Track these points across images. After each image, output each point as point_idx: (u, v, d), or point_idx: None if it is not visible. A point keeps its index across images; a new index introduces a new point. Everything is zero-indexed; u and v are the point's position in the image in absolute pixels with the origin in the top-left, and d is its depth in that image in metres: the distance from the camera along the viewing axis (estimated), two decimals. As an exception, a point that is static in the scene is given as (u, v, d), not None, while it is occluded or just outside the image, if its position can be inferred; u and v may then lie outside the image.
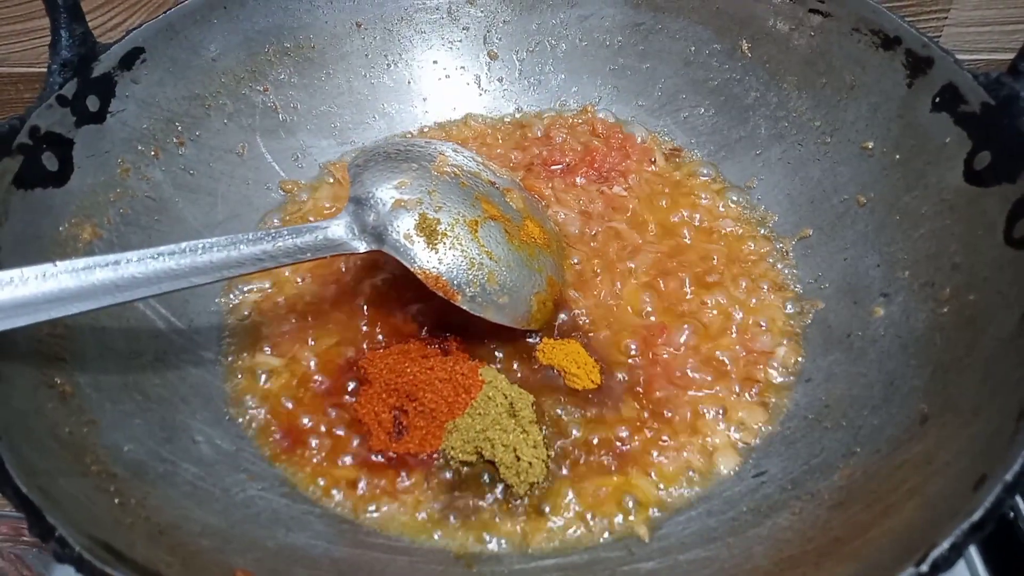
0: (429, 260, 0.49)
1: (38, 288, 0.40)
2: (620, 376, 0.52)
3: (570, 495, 0.47)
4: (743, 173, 0.64)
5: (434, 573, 0.44)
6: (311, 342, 0.54)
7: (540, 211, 0.60)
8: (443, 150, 0.55)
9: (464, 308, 0.49)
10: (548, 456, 0.48)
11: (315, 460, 0.49)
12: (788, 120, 0.62)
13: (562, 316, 0.55)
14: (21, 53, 0.81)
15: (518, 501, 0.46)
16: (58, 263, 0.41)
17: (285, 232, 0.48)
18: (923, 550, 0.32)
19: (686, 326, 0.54)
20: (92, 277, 0.42)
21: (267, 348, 0.54)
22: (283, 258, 0.47)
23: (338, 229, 0.49)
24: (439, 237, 0.49)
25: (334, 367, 0.53)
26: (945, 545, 0.31)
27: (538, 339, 0.54)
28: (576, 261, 0.59)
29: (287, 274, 0.59)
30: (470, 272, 0.50)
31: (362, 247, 0.49)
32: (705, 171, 0.66)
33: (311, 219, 0.63)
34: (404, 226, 0.49)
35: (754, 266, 0.59)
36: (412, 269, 0.49)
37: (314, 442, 0.49)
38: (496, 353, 0.53)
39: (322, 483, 0.48)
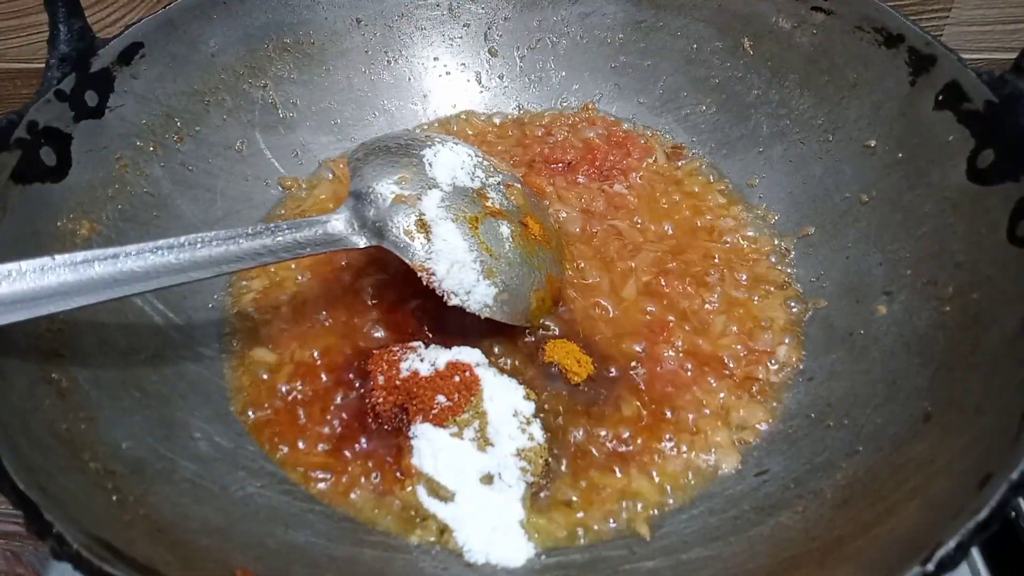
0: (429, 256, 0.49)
1: (36, 282, 0.40)
2: (621, 375, 0.52)
3: (571, 493, 0.46)
4: (745, 171, 0.64)
5: (434, 571, 0.43)
6: (311, 339, 0.54)
7: (540, 207, 0.59)
8: (443, 145, 0.55)
9: (447, 301, 0.49)
10: (550, 454, 0.48)
11: (315, 458, 0.48)
12: (790, 118, 0.62)
13: (563, 314, 0.55)
14: (19, 48, 0.80)
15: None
16: (56, 257, 0.41)
17: (284, 226, 0.48)
18: (929, 549, 0.32)
19: (687, 324, 0.54)
20: (90, 271, 0.41)
21: (267, 345, 0.54)
22: (282, 253, 0.47)
23: (338, 224, 0.49)
24: None
25: (334, 364, 0.52)
26: (951, 544, 0.31)
27: (531, 337, 0.53)
28: (582, 265, 0.58)
29: (288, 270, 0.58)
30: None
31: (362, 242, 0.49)
32: (706, 169, 0.66)
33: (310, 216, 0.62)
34: (404, 222, 0.49)
35: (755, 265, 0.58)
36: (412, 265, 0.48)
37: (314, 440, 0.49)
38: (496, 349, 0.53)
39: (322, 481, 0.47)
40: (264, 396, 0.51)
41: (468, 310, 0.49)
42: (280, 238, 0.47)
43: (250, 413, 0.51)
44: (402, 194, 0.50)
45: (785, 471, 0.46)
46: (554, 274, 0.55)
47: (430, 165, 0.53)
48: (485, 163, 0.57)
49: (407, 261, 0.49)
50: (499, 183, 0.56)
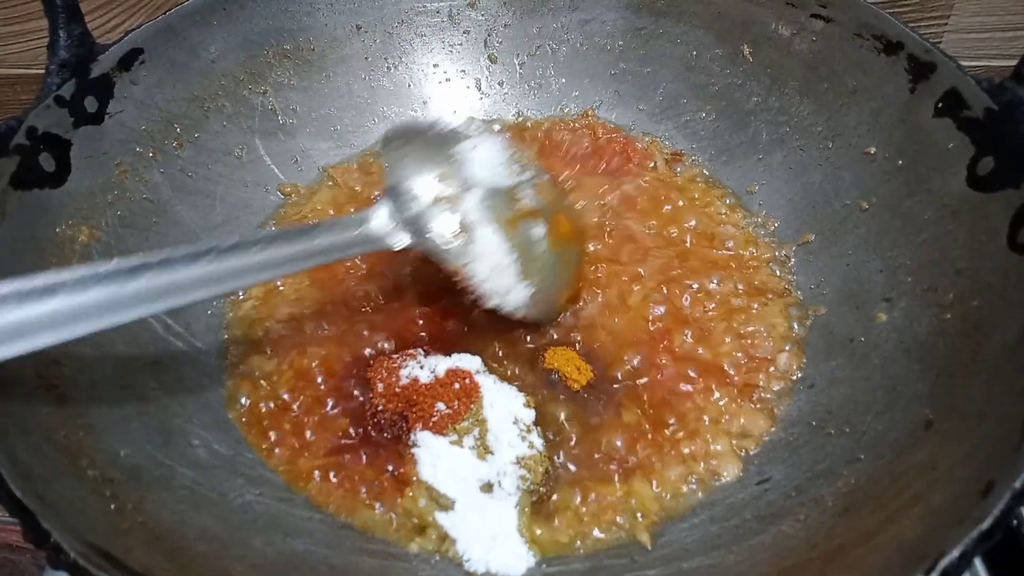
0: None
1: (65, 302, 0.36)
2: (622, 382, 0.51)
3: (572, 502, 0.46)
4: (744, 178, 0.64)
5: (434, 580, 0.43)
6: (310, 347, 0.54)
7: (567, 201, 0.59)
8: (479, 138, 0.52)
9: (486, 304, 0.49)
10: (550, 462, 0.47)
11: (314, 465, 0.48)
12: (789, 125, 0.62)
13: (563, 321, 0.55)
14: (18, 54, 0.80)
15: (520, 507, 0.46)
16: (95, 266, 0.37)
17: (324, 228, 0.46)
18: (932, 558, 0.32)
19: (687, 332, 0.54)
20: (126, 287, 0.38)
21: (266, 352, 0.54)
22: (321, 256, 0.45)
23: (379, 223, 0.48)
24: None
25: (333, 372, 0.52)
26: (955, 553, 0.31)
27: (531, 344, 0.53)
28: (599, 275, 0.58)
29: (287, 277, 0.58)
30: None
31: (401, 243, 0.48)
32: (706, 176, 0.66)
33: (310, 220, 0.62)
34: (448, 223, 0.49)
35: (755, 272, 0.58)
36: (453, 268, 0.48)
37: (313, 447, 0.49)
38: (496, 355, 0.53)
39: (321, 488, 0.47)
40: (263, 403, 0.51)
41: (503, 311, 0.50)
42: (320, 241, 0.45)
43: (249, 420, 0.50)
44: (443, 194, 0.49)
45: (786, 479, 0.46)
46: (578, 270, 0.55)
47: (469, 161, 0.51)
48: (516, 155, 0.54)
49: (447, 264, 0.48)
50: (531, 179, 0.54)
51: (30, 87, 0.83)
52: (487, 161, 0.52)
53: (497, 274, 0.48)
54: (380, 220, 0.48)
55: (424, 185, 0.49)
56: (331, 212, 0.63)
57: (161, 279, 0.39)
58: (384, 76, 0.70)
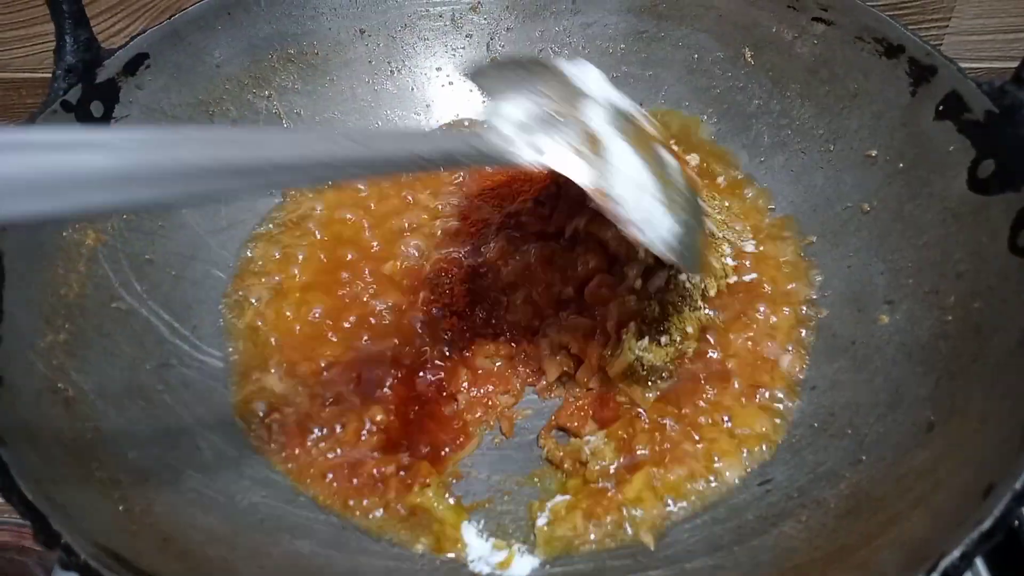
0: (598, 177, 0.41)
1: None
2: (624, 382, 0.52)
3: (576, 502, 0.46)
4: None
5: (439, 581, 0.44)
6: (316, 348, 0.54)
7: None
8: (578, 64, 0.47)
9: (631, 236, 0.41)
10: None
11: (320, 467, 0.48)
12: (791, 128, 0.62)
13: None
14: (24, 59, 0.81)
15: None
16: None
17: (432, 136, 0.45)
18: (933, 559, 0.32)
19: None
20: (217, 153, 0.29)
21: (271, 354, 0.54)
22: (420, 164, 0.36)
23: (497, 135, 0.40)
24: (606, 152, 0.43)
25: (339, 373, 0.52)
26: (956, 554, 0.31)
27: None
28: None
29: (293, 281, 0.58)
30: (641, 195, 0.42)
31: (526, 157, 0.40)
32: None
33: (309, 225, 0.62)
34: (567, 134, 0.41)
35: (757, 273, 0.58)
36: (584, 187, 0.41)
37: (319, 449, 0.49)
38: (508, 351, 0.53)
39: (326, 490, 0.47)
40: (269, 405, 0.51)
41: (647, 247, 0.42)
42: (432, 145, 0.38)
43: (255, 422, 0.51)
44: (558, 108, 0.42)
45: (788, 480, 0.46)
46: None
47: (576, 78, 0.45)
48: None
49: (580, 182, 0.40)
50: (643, 112, 0.48)
51: (36, 91, 0.83)
52: (595, 79, 0.47)
53: (640, 196, 0.41)
54: (498, 132, 0.40)
55: (530, 99, 0.42)
56: (333, 214, 0.63)
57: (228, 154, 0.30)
58: (387, 80, 0.71)
